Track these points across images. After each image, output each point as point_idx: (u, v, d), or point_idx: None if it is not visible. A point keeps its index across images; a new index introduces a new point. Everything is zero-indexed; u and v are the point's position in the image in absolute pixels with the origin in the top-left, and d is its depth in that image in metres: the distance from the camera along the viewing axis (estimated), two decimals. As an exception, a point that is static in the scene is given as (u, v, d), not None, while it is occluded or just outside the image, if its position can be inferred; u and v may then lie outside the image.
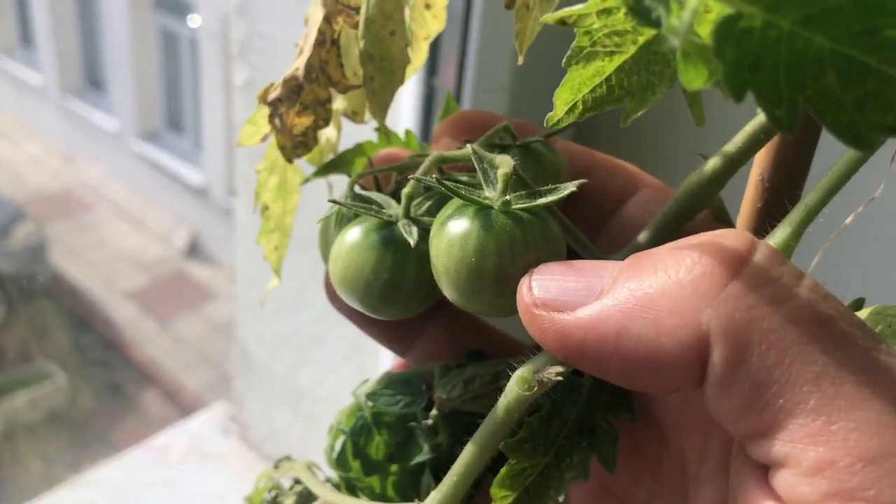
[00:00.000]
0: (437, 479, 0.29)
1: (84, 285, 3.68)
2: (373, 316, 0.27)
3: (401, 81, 0.26)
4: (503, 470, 0.24)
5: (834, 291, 0.18)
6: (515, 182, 0.24)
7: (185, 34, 4.13)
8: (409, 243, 0.25)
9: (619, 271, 0.20)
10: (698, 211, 0.24)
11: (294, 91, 0.26)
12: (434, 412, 0.30)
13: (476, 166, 0.24)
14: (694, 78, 0.16)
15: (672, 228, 0.24)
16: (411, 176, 0.25)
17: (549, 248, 0.23)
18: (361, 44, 0.25)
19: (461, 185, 0.23)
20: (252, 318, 0.94)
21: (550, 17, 0.21)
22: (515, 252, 0.22)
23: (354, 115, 0.28)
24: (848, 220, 0.22)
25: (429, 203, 0.27)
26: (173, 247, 4.15)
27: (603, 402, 0.25)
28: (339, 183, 0.31)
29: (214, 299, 3.77)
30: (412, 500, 0.26)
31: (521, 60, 0.26)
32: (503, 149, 0.27)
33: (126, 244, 4.12)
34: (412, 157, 0.29)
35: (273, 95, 0.27)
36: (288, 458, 0.33)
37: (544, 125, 0.23)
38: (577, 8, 0.20)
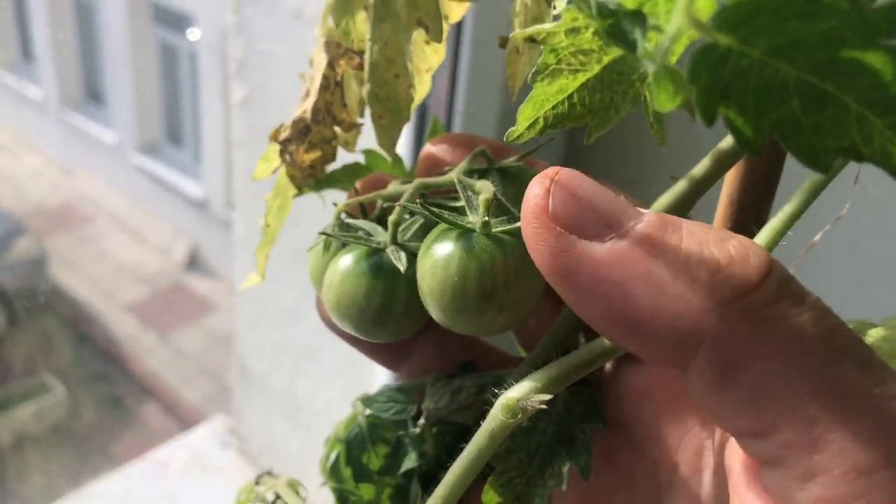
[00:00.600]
0: (424, 489, 0.30)
1: (84, 298, 3.69)
2: (367, 339, 0.28)
3: (407, 118, 0.28)
4: (492, 478, 0.25)
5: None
6: (496, 206, 0.25)
7: (184, 48, 4.15)
8: (398, 269, 0.26)
9: (643, 227, 0.19)
10: None
11: (302, 132, 0.29)
12: (422, 421, 0.30)
13: (461, 194, 0.25)
14: (665, 101, 0.17)
15: None
16: (398, 203, 0.27)
17: (529, 267, 0.24)
18: (368, 86, 0.27)
19: (444, 211, 0.25)
20: (250, 331, 0.95)
21: (520, 33, 0.22)
22: (496, 272, 0.23)
23: (346, 145, 0.31)
24: (816, 238, 0.23)
25: (414, 228, 0.28)
26: (173, 259, 4.16)
27: (577, 413, 0.26)
28: (332, 196, 0.32)
29: (214, 311, 3.78)
30: None
31: (514, 98, 0.27)
32: (483, 173, 0.29)
33: (125, 257, 4.12)
34: (397, 183, 0.30)
35: (284, 136, 0.29)
36: (270, 474, 0.33)
37: (504, 139, 0.24)
38: (546, 26, 0.21)
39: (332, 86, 0.28)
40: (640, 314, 0.18)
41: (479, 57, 0.56)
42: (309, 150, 0.29)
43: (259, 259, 0.33)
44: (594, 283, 0.19)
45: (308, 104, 0.29)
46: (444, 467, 0.28)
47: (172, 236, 4.26)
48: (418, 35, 0.27)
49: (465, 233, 0.24)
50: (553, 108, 0.22)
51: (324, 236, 0.29)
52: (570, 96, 0.22)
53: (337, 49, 0.28)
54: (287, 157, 0.29)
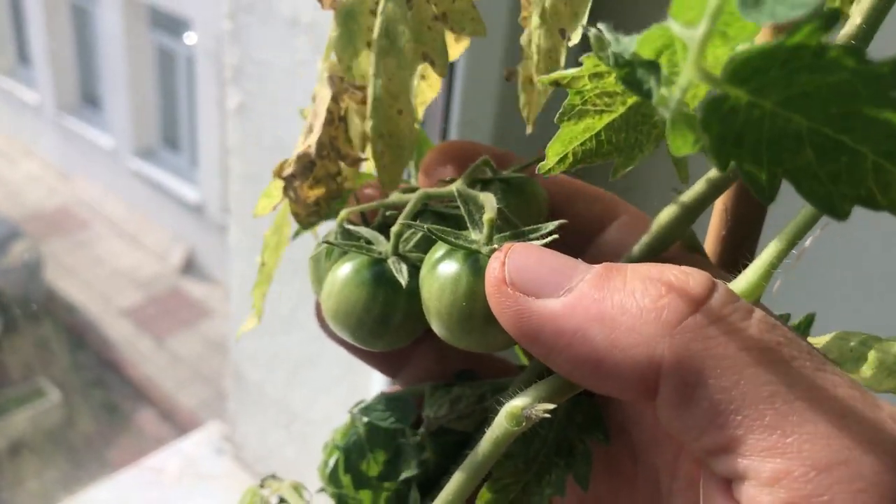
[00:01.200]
0: (423, 496, 0.30)
1: (80, 303, 3.68)
2: (364, 348, 0.28)
3: (410, 156, 0.28)
4: (487, 484, 0.26)
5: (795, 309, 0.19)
6: (499, 218, 0.25)
7: (181, 52, 4.15)
8: (398, 281, 0.26)
9: (590, 276, 0.21)
10: (672, 243, 0.25)
11: (307, 167, 0.29)
12: (422, 430, 0.31)
13: (462, 208, 0.26)
14: (681, 146, 0.18)
15: (648, 260, 0.25)
16: (401, 221, 0.27)
17: None
18: (371, 122, 0.27)
19: (448, 231, 0.25)
20: (246, 339, 0.94)
21: (546, 78, 0.23)
22: None
23: (346, 181, 0.31)
24: (807, 243, 0.23)
25: (416, 238, 0.28)
26: (169, 264, 4.16)
27: (578, 423, 0.26)
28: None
29: (210, 317, 3.77)
30: None
31: (529, 129, 0.28)
32: (485, 183, 0.29)
33: (122, 262, 4.12)
34: (399, 191, 0.30)
35: (287, 171, 0.29)
36: (273, 477, 0.33)
37: (537, 170, 0.24)
38: (570, 71, 0.22)
39: (336, 120, 0.29)
40: (599, 353, 0.20)
41: (475, 61, 0.55)
42: (314, 186, 0.29)
43: (255, 298, 0.33)
44: (556, 336, 0.21)
45: (312, 139, 0.29)
46: (444, 473, 0.29)
47: (169, 241, 4.25)
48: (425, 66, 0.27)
49: (471, 254, 0.24)
50: (581, 144, 0.23)
51: (326, 244, 0.29)
52: (597, 134, 0.23)
53: (341, 83, 0.28)
54: (291, 193, 0.29)
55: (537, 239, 0.24)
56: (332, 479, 0.32)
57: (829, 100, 0.16)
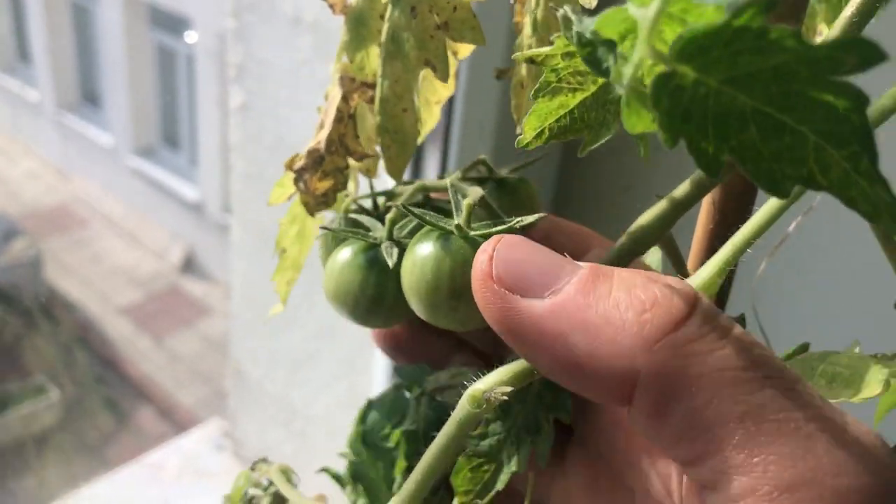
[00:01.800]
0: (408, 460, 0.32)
1: (79, 301, 3.68)
2: (362, 325, 0.30)
3: (413, 150, 0.30)
4: (462, 460, 0.27)
5: (776, 302, 0.20)
6: (487, 212, 0.27)
7: (181, 50, 4.15)
8: (389, 263, 0.28)
9: (576, 280, 0.21)
10: (650, 246, 0.25)
11: (317, 161, 0.31)
12: (420, 390, 0.33)
13: (451, 197, 0.27)
14: (636, 123, 0.18)
15: (623, 263, 0.25)
16: (391, 203, 0.29)
17: None
18: (378, 119, 0.29)
19: (431, 215, 0.27)
20: (246, 337, 0.95)
21: (521, 55, 0.24)
22: (467, 272, 0.24)
23: (367, 172, 0.33)
24: (790, 228, 0.24)
25: (411, 226, 0.30)
26: (168, 263, 4.16)
27: (546, 402, 0.27)
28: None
29: (209, 315, 3.78)
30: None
31: (518, 130, 0.29)
32: (481, 182, 0.31)
33: (121, 260, 4.12)
34: (400, 183, 0.32)
35: (298, 165, 0.31)
36: (265, 461, 0.34)
37: (515, 146, 0.25)
38: (544, 49, 0.23)
39: (345, 118, 0.30)
40: (579, 360, 0.20)
41: (477, 62, 0.56)
42: (322, 179, 0.31)
43: (280, 285, 0.35)
44: (538, 337, 0.21)
45: (322, 135, 0.31)
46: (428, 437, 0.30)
47: (168, 240, 4.26)
48: (429, 69, 0.29)
49: (445, 234, 0.26)
50: (556, 121, 0.24)
51: (324, 230, 0.31)
52: (570, 111, 0.24)
53: (351, 84, 0.30)
54: (301, 185, 0.31)
55: (506, 227, 0.26)
56: (357, 444, 0.34)
57: (771, 80, 0.17)
